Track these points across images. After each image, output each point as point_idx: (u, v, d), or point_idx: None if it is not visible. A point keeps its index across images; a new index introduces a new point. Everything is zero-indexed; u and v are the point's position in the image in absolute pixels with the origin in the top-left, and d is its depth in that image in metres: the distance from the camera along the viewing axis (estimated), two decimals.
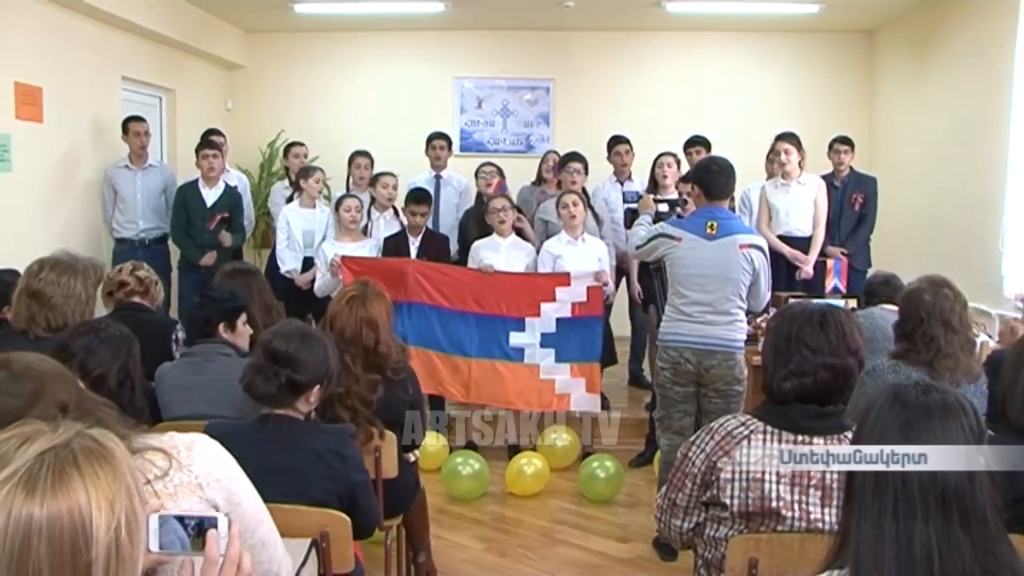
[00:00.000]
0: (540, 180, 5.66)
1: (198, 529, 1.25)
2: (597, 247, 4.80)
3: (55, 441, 0.91)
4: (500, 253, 4.83)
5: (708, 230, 3.45)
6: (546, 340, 4.70)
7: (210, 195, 5.45)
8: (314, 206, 5.41)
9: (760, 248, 3.52)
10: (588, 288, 4.63)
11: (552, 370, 4.69)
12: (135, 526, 0.94)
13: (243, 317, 2.97)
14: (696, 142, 5.58)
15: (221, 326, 2.91)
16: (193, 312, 2.98)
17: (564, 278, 4.64)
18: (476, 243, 4.93)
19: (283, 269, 5.27)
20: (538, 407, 4.72)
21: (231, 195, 5.57)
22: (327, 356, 2.26)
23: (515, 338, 4.72)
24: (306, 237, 5.29)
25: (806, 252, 5.08)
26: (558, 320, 4.66)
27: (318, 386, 2.25)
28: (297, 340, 2.21)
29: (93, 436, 0.96)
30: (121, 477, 0.93)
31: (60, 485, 0.87)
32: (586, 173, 5.27)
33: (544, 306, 4.65)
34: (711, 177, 3.52)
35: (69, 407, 1.47)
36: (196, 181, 5.48)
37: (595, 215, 5.14)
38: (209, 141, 5.62)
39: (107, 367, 2.21)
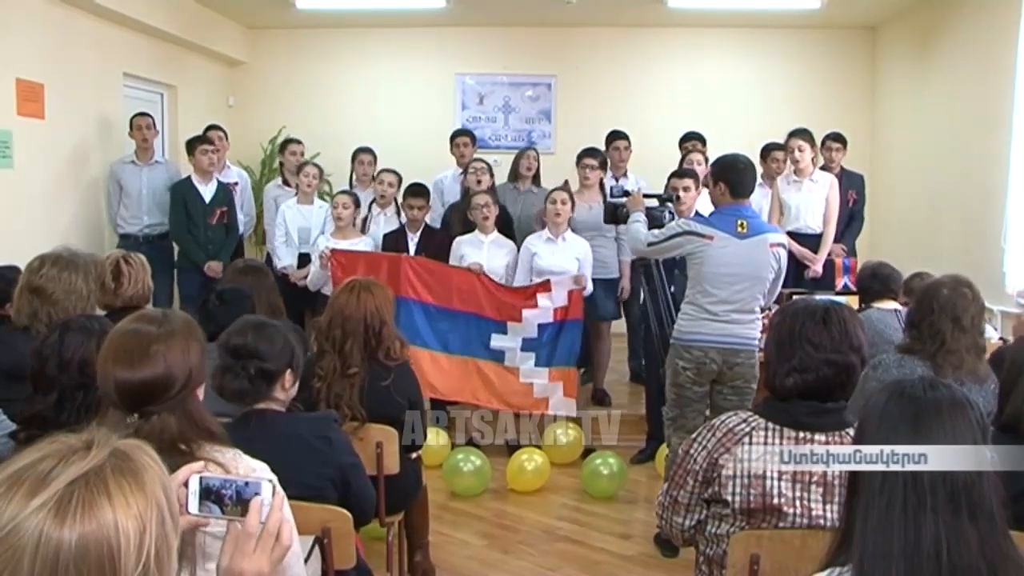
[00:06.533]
0: (516, 176, 5.65)
1: (238, 496, 1.23)
2: (576, 247, 4.76)
3: (87, 466, 0.91)
4: (482, 250, 4.82)
5: (739, 228, 3.39)
6: (527, 345, 4.69)
7: (207, 191, 5.44)
8: (311, 203, 5.40)
9: (786, 246, 3.54)
10: (569, 292, 4.62)
11: (531, 374, 4.69)
12: (164, 552, 0.94)
13: None
14: (691, 137, 5.56)
15: None
16: (204, 316, 2.95)
17: (545, 285, 4.63)
18: (458, 239, 4.92)
19: (278, 265, 5.28)
20: (518, 408, 4.71)
21: (225, 191, 5.57)
22: (288, 342, 2.27)
23: (496, 340, 4.71)
24: (302, 233, 5.28)
25: (815, 249, 5.07)
26: (540, 326, 4.66)
27: (289, 371, 2.26)
28: (253, 331, 2.24)
29: (127, 454, 0.95)
30: (153, 501, 0.93)
31: (90, 514, 0.88)
32: (603, 169, 5.26)
33: (526, 312, 4.65)
34: (738, 175, 3.45)
35: (171, 384, 1.61)
36: (189, 178, 5.46)
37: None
38: (205, 137, 5.60)
39: (83, 350, 2.05)
